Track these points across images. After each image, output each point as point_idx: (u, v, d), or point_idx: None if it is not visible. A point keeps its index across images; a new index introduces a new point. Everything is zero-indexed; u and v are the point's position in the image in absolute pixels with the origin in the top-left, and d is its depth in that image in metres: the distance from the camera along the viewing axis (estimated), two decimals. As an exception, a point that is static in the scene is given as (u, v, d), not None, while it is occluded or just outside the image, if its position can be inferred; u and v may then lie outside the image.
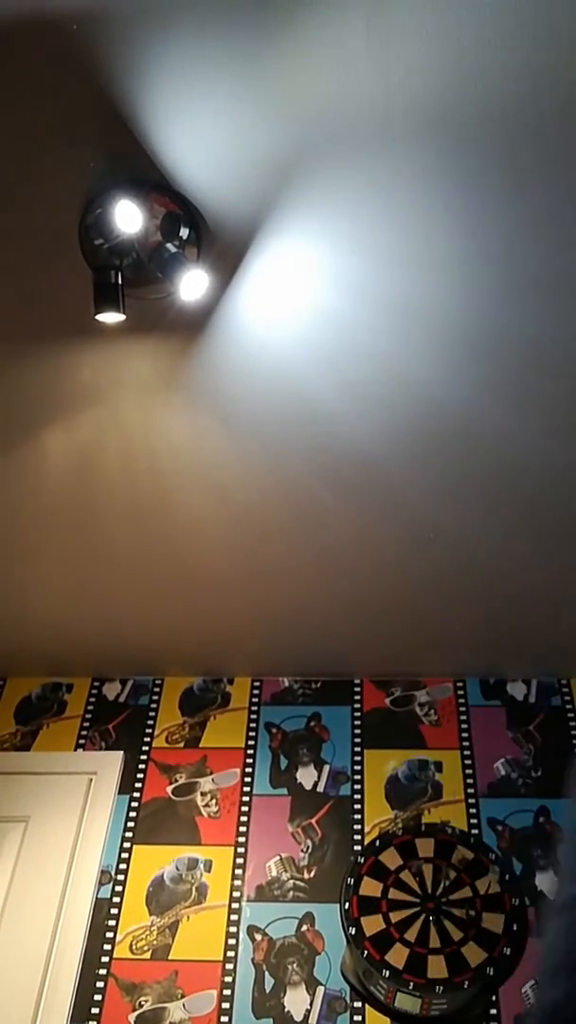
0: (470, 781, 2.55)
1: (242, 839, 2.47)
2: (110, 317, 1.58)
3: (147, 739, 2.73)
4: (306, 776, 2.60)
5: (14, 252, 1.64)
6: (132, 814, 2.55)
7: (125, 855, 2.46)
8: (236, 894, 2.37)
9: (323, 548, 2.29)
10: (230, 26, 1.28)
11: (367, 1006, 2.15)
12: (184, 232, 1.56)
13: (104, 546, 2.32)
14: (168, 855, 2.46)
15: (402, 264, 1.62)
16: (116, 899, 2.37)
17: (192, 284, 1.59)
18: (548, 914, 0.56)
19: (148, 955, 2.27)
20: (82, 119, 1.41)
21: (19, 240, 1.61)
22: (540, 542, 2.22)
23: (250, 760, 2.66)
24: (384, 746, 2.66)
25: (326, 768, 2.62)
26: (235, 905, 2.35)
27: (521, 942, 2.20)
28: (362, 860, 2.35)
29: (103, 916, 2.34)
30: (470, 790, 2.53)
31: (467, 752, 2.62)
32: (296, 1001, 2.17)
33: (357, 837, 2.46)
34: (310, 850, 2.44)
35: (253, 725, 2.75)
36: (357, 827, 2.48)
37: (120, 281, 1.57)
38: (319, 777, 2.60)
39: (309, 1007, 2.15)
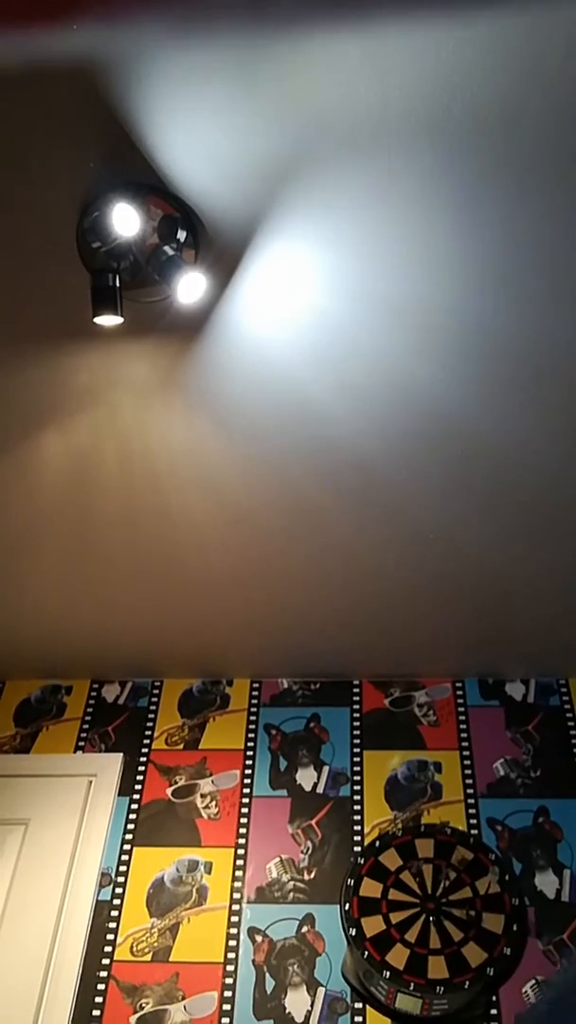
0: (469, 781, 2.56)
1: (242, 841, 2.47)
2: (108, 320, 1.59)
3: (147, 741, 2.73)
4: (306, 777, 2.60)
5: (12, 255, 1.64)
6: (132, 816, 2.55)
7: (125, 857, 2.46)
8: (236, 896, 2.37)
9: (321, 549, 2.29)
10: (227, 30, 1.29)
11: (368, 1007, 2.15)
12: (181, 235, 1.56)
13: (102, 548, 2.32)
14: (168, 857, 2.46)
15: (400, 266, 1.62)
16: (116, 901, 2.37)
17: (190, 287, 1.59)
18: None
19: (149, 957, 2.27)
20: (79, 122, 1.42)
21: (16, 243, 1.61)
22: (538, 542, 2.22)
23: (250, 762, 2.66)
24: (384, 747, 2.66)
25: (326, 769, 2.62)
26: (235, 907, 2.35)
27: (521, 942, 2.21)
28: (362, 861, 2.35)
29: (103, 918, 2.34)
30: (469, 790, 2.54)
31: (466, 752, 2.62)
32: (297, 1002, 2.17)
33: (357, 838, 2.46)
34: (310, 851, 2.44)
35: (252, 727, 2.75)
36: (357, 828, 2.48)
37: (118, 284, 1.57)
38: (319, 778, 2.60)
39: (310, 1008, 2.16)
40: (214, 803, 2.56)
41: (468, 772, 2.58)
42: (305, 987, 2.19)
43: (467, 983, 2.07)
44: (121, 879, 2.41)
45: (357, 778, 2.59)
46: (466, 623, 2.55)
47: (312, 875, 2.40)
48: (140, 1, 1.26)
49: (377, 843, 2.39)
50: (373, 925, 2.20)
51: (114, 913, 2.35)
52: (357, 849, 2.44)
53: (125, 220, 1.50)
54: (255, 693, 2.84)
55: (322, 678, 2.86)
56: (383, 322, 1.72)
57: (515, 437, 1.93)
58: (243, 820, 2.51)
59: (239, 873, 2.41)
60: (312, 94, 1.36)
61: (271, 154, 1.45)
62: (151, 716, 2.80)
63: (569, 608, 2.47)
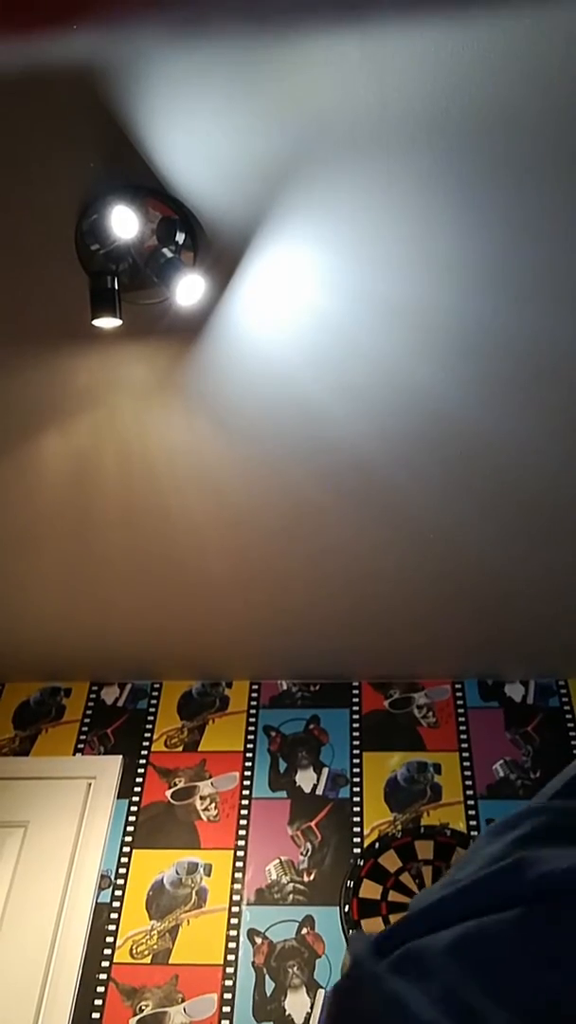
0: (469, 783, 2.56)
1: (242, 843, 2.47)
2: (107, 322, 1.59)
3: (146, 743, 2.73)
4: (305, 779, 2.60)
5: (11, 257, 1.64)
6: (131, 818, 2.54)
7: (125, 859, 2.46)
8: (236, 898, 2.37)
9: (321, 551, 2.29)
10: (226, 32, 1.29)
11: (368, 1009, 2.14)
12: (180, 237, 1.56)
13: (102, 549, 2.32)
14: (168, 859, 2.46)
15: (399, 267, 1.62)
16: (116, 903, 2.37)
17: (188, 289, 1.59)
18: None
19: (148, 959, 2.27)
20: (78, 125, 1.42)
21: (16, 245, 1.61)
22: (538, 543, 2.22)
23: (249, 763, 2.66)
24: (383, 748, 2.66)
25: (325, 771, 2.62)
26: (235, 909, 2.35)
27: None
28: (362, 863, 2.35)
29: (103, 921, 2.34)
30: (469, 792, 2.54)
31: (466, 754, 2.62)
32: (297, 1004, 2.17)
33: (356, 840, 2.46)
34: (310, 853, 2.44)
35: (252, 728, 2.75)
36: (356, 830, 2.48)
37: (116, 286, 1.58)
38: (318, 780, 2.60)
39: (310, 1010, 2.15)
40: (213, 805, 2.56)
41: (468, 773, 2.58)
42: (305, 989, 2.19)
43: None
44: (121, 881, 2.41)
45: (357, 780, 2.59)
46: (466, 624, 2.55)
47: (312, 877, 2.39)
48: (139, 3, 1.26)
49: (377, 845, 2.39)
50: (373, 927, 2.20)
51: (114, 915, 2.35)
52: (357, 851, 2.43)
53: (124, 222, 1.50)
54: (254, 695, 2.84)
55: (322, 680, 2.86)
56: (383, 323, 1.72)
57: (515, 437, 1.93)
58: (243, 822, 2.51)
59: (239, 875, 2.41)
60: (311, 95, 1.36)
61: (270, 156, 1.45)
62: (150, 718, 2.80)
63: (569, 609, 2.47)
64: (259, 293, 1.68)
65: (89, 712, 2.83)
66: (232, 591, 2.45)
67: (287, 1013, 2.15)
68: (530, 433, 1.92)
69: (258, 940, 2.28)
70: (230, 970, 2.23)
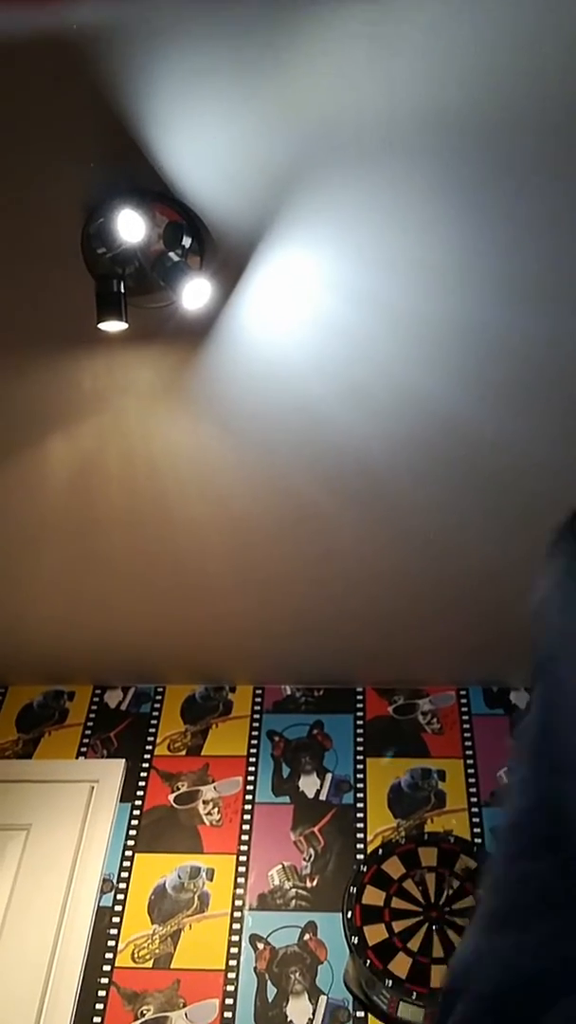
0: (473, 790, 2.55)
1: (244, 848, 2.46)
2: (112, 326, 1.59)
3: (149, 747, 2.72)
4: (308, 784, 2.60)
5: (17, 261, 1.64)
6: (134, 822, 2.54)
7: (127, 863, 2.45)
8: (238, 903, 2.36)
9: (325, 555, 2.29)
10: (233, 37, 1.29)
11: (370, 1016, 2.14)
12: (186, 241, 1.56)
13: (105, 553, 2.32)
14: (170, 863, 2.45)
15: (404, 272, 1.62)
16: (118, 907, 2.37)
17: (194, 293, 1.59)
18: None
19: (150, 964, 2.26)
20: (85, 129, 1.42)
21: (22, 249, 1.62)
22: (542, 548, 2.21)
23: (252, 768, 2.65)
24: (386, 755, 2.66)
25: (328, 776, 2.61)
26: (237, 914, 2.34)
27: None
28: (365, 869, 2.34)
29: (105, 924, 2.33)
30: (473, 799, 2.53)
31: (470, 761, 2.61)
32: (298, 1010, 2.16)
33: (360, 846, 2.45)
34: (312, 859, 2.43)
35: (255, 733, 2.75)
36: (360, 836, 2.48)
37: (123, 290, 1.58)
38: (321, 785, 2.59)
39: (311, 1016, 2.15)
40: (216, 810, 2.56)
41: (472, 780, 2.57)
42: (307, 995, 2.18)
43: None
44: (123, 885, 2.41)
45: (360, 785, 2.58)
46: (470, 629, 2.54)
47: (314, 883, 2.39)
48: (147, 10, 1.26)
49: (380, 851, 2.38)
50: (376, 933, 2.19)
51: (115, 919, 2.34)
52: (360, 857, 2.43)
53: (130, 226, 1.50)
54: (258, 699, 2.84)
55: (325, 685, 2.86)
56: (388, 327, 1.72)
57: (519, 441, 1.93)
58: (245, 827, 2.51)
59: (241, 880, 2.40)
60: (318, 99, 1.36)
61: (276, 160, 1.45)
62: (153, 722, 2.79)
63: (573, 616, 2.46)
64: (265, 297, 1.68)
65: (92, 715, 2.83)
66: (236, 595, 2.45)
67: (289, 1019, 2.14)
68: (534, 437, 1.91)
69: (260, 946, 2.28)
70: (232, 975, 2.23)
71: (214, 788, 2.61)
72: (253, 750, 2.70)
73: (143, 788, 2.62)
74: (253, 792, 2.59)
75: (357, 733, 2.72)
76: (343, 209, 1.52)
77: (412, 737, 2.69)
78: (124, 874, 2.43)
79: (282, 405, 1.88)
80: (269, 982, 2.21)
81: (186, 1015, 2.16)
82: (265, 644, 2.68)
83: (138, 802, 2.59)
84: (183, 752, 2.71)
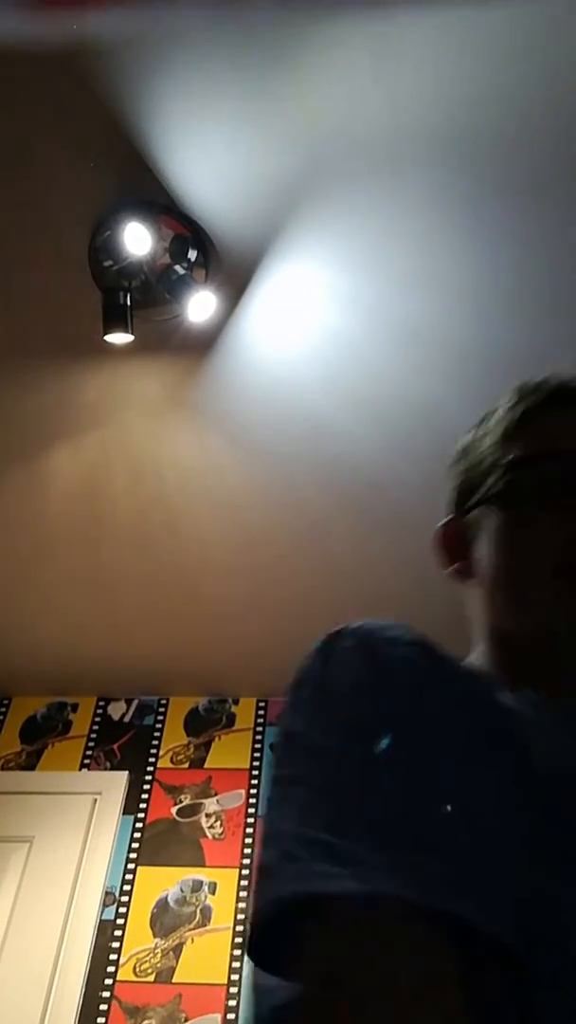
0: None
1: (247, 861, 2.45)
2: (119, 338, 1.60)
3: (152, 759, 2.72)
4: (311, 797, 2.59)
5: (24, 273, 1.65)
6: (136, 835, 2.53)
7: (129, 876, 2.44)
8: (241, 916, 2.35)
9: (330, 567, 2.29)
10: (239, 53, 1.30)
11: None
12: (192, 254, 1.57)
13: (110, 565, 2.33)
14: (172, 877, 2.44)
15: (410, 285, 1.63)
16: (120, 921, 2.36)
17: (200, 305, 1.60)
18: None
19: (152, 978, 2.25)
20: (93, 143, 1.43)
21: (29, 261, 1.63)
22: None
23: (255, 781, 2.64)
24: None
25: (331, 789, 2.60)
26: (240, 928, 2.33)
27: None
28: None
29: (107, 938, 2.32)
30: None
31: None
32: (301, 1026, 2.14)
33: (362, 859, 2.44)
34: (315, 872, 2.42)
35: (258, 746, 2.74)
36: (362, 849, 2.46)
37: (129, 302, 1.59)
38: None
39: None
40: (219, 823, 2.55)
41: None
42: (309, 1010, 2.17)
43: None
44: (125, 898, 2.40)
45: (363, 799, 2.57)
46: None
47: (317, 897, 2.37)
48: (154, 26, 1.28)
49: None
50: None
51: (117, 933, 2.33)
52: (363, 871, 2.41)
53: (137, 239, 1.51)
54: (261, 712, 2.83)
55: (329, 698, 2.84)
56: (393, 340, 1.73)
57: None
58: (248, 840, 2.50)
59: (243, 894, 2.39)
60: (323, 115, 1.38)
61: (281, 174, 1.46)
62: (157, 734, 2.79)
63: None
64: (270, 310, 1.69)
65: (96, 727, 2.82)
66: (239, 608, 2.45)
67: (291, 1034, 2.13)
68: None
69: (262, 960, 2.26)
70: (234, 990, 2.21)
71: (217, 801, 2.60)
72: (256, 763, 2.69)
73: (146, 801, 2.61)
74: (256, 805, 2.58)
75: (360, 746, 2.71)
76: (348, 222, 1.53)
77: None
78: (126, 887, 2.42)
79: (288, 417, 1.89)
80: (271, 996, 2.20)
81: (188, 1029, 2.15)
82: (268, 656, 2.67)
83: (141, 815, 2.58)
84: (186, 765, 2.70)
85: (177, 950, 2.30)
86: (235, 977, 2.24)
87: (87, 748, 2.76)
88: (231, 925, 2.34)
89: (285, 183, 1.48)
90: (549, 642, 0.68)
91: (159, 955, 2.29)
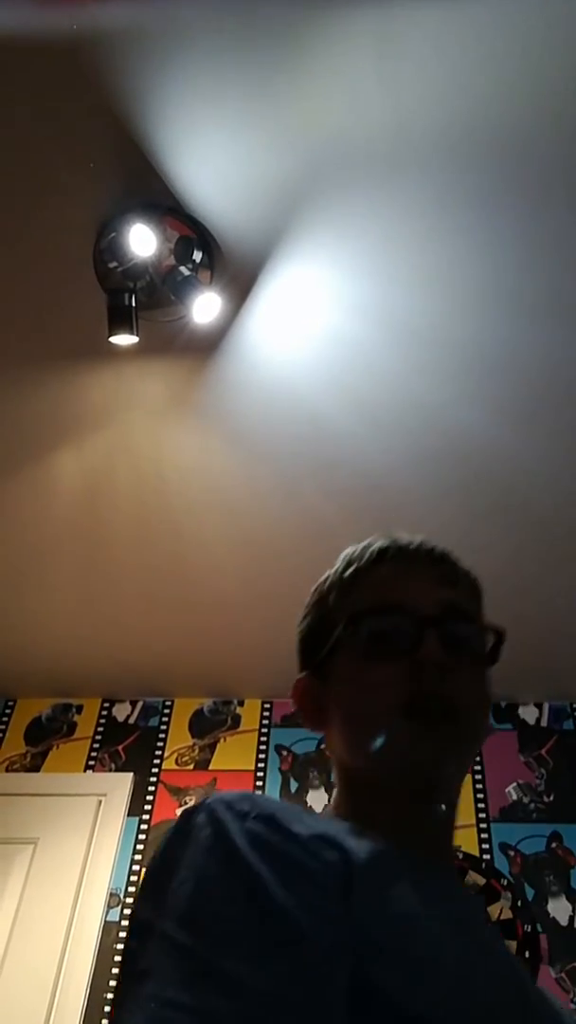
0: (481, 806, 2.53)
1: (252, 863, 2.44)
2: (123, 339, 1.60)
3: (157, 761, 2.72)
4: (316, 799, 2.59)
5: (29, 274, 1.65)
6: (141, 836, 2.53)
7: (134, 878, 2.44)
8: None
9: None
10: (244, 53, 1.30)
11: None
12: (197, 255, 1.57)
13: (114, 567, 2.33)
14: (177, 878, 2.43)
15: (414, 286, 1.63)
16: (125, 923, 2.36)
17: (205, 307, 1.60)
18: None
19: (156, 980, 2.24)
20: (97, 145, 1.43)
21: (34, 262, 1.63)
22: (551, 563, 2.21)
23: (260, 783, 2.64)
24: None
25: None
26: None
27: (534, 969, 2.17)
28: (372, 885, 2.32)
29: (112, 939, 2.32)
30: (481, 815, 2.51)
31: (478, 776, 2.60)
32: None
33: (367, 861, 2.44)
34: (320, 874, 2.42)
35: (263, 747, 2.74)
36: (367, 851, 2.46)
37: (134, 304, 1.59)
38: (329, 800, 2.58)
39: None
40: (224, 824, 2.54)
41: (480, 796, 2.55)
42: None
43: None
44: (130, 900, 2.40)
45: (368, 801, 2.57)
46: (479, 645, 2.53)
47: (322, 898, 2.37)
48: (158, 26, 1.28)
49: (388, 867, 2.37)
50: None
51: (122, 934, 2.33)
52: (368, 873, 2.41)
53: (141, 241, 1.51)
54: (266, 713, 2.83)
55: (333, 699, 2.84)
56: (397, 342, 1.72)
57: (529, 457, 1.93)
58: (253, 842, 2.49)
59: (248, 895, 2.39)
60: (327, 116, 1.38)
61: (286, 176, 1.46)
62: (162, 736, 2.79)
63: (583, 631, 2.45)
64: (274, 312, 1.69)
65: (100, 729, 2.82)
66: (244, 609, 2.44)
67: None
68: (544, 453, 1.91)
69: (267, 962, 2.26)
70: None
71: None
72: (261, 764, 2.69)
73: (151, 802, 2.61)
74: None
75: (365, 748, 2.70)
76: (352, 224, 1.53)
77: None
78: (131, 889, 2.42)
79: (291, 419, 1.89)
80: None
81: (193, 1031, 2.15)
82: (274, 658, 2.66)
83: (146, 816, 2.58)
84: (191, 766, 2.70)
85: (182, 952, 2.29)
86: (240, 979, 2.23)
87: (92, 750, 2.76)
88: (236, 927, 2.33)
89: (290, 184, 1.48)
90: (398, 779, 0.73)
91: (164, 957, 2.28)
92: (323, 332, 1.72)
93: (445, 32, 1.27)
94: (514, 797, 2.54)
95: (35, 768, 2.72)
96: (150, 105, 1.37)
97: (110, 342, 1.62)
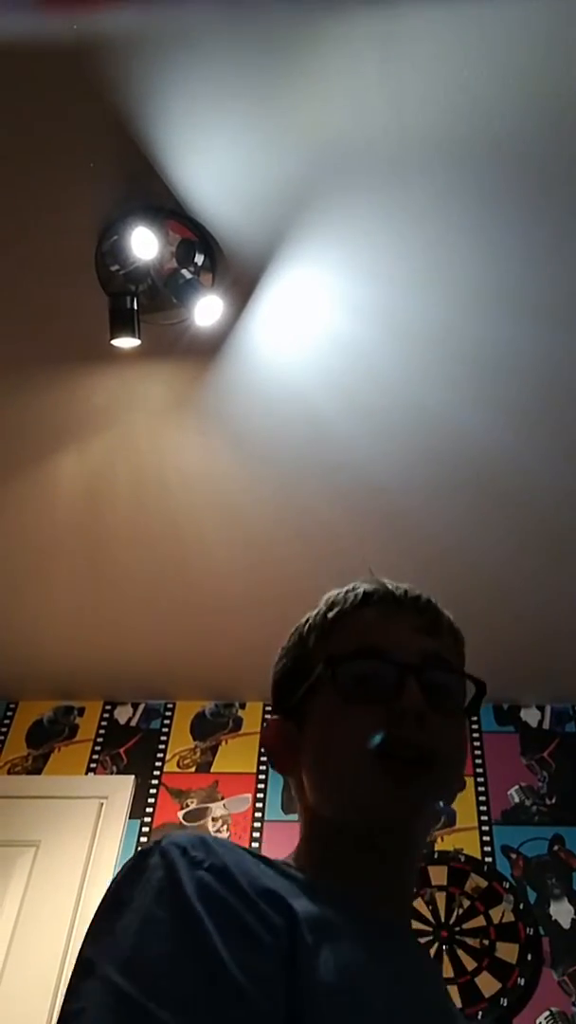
0: (483, 808, 2.53)
1: (253, 865, 2.44)
2: (125, 342, 1.60)
3: (158, 763, 2.71)
4: (318, 802, 2.58)
5: (31, 277, 1.66)
6: (143, 839, 2.53)
7: (136, 881, 2.43)
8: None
9: (334, 572, 2.28)
10: (245, 56, 1.30)
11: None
12: (199, 258, 1.58)
13: (115, 569, 2.33)
14: (179, 881, 2.43)
15: (415, 290, 1.63)
16: (126, 925, 2.35)
17: (207, 310, 1.60)
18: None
19: (158, 983, 2.24)
20: (100, 147, 1.44)
21: (36, 266, 1.63)
22: (553, 565, 2.21)
23: (262, 786, 2.64)
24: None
25: (338, 794, 2.59)
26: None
27: (536, 972, 2.17)
28: (374, 888, 2.32)
29: (113, 943, 2.31)
30: (483, 817, 2.51)
31: (480, 779, 2.60)
32: None
33: (369, 864, 2.43)
34: (322, 877, 2.41)
35: (265, 750, 2.73)
36: (369, 854, 2.46)
37: (136, 307, 1.59)
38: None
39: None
40: (225, 827, 2.54)
41: (482, 799, 2.55)
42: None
43: (480, 1013, 2.04)
44: (131, 903, 2.39)
45: (370, 803, 2.57)
46: (480, 646, 2.51)
47: (324, 901, 2.37)
48: (160, 29, 1.28)
49: (390, 870, 2.36)
50: (385, 953, 2.17)
51: (124, 937, 2.32)
52: (369, 875, 2.40)
53: (143, 244, 1.52)
54: (268, 716, 2.83)
55: (335, 702, 2.84)
56: (399, 345, 1.73)
57: (530, 458, 1.93)
58: (255, 845, 2.49)
59: (250, 898, 2.38)
60: (329, 119, 1.38)
61: (288, 179, 1.47)
62: (163, 738, 2.79)
63: (584, 633, 2.45)
64: (276, 314, 1.69)
65: (102, 731, 2.82)
66: (245, 611, 2.44)
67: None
68: (545, 454, 1.91)
69: (269, 965, 2.26)
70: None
71: (223, 805, 2.60)
72: (263, 767, 2.69)
73: (152, 805, 2.61)
74: (263, 809, 2.58)
75: (367, 750, 2.70)
76: (354, 227, 1.53)
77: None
78: (133, 891, 2.41)
79: (293, 422, 1.89)
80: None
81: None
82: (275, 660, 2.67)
83: (147, 819, 2.58)
84: (192, 769, 2.70)
85: (184, 955, 2.29)
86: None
87: (93, 752, 2.76)
88: (238, 930, 2.33)
89: (292, 187, 1.48)
90: (365, 824, 0.74)
91: (166, 960, 2.28)
92: (325, 334, 1.72)
93: (446, 34, 1.27)
94: (516, 800, 2.54)
95: (36, 771, 2.72)
96: (152, 108, 1.38)
97: (112, 345, 1.62)
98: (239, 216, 1.53)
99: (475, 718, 2.74)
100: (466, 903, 2.27)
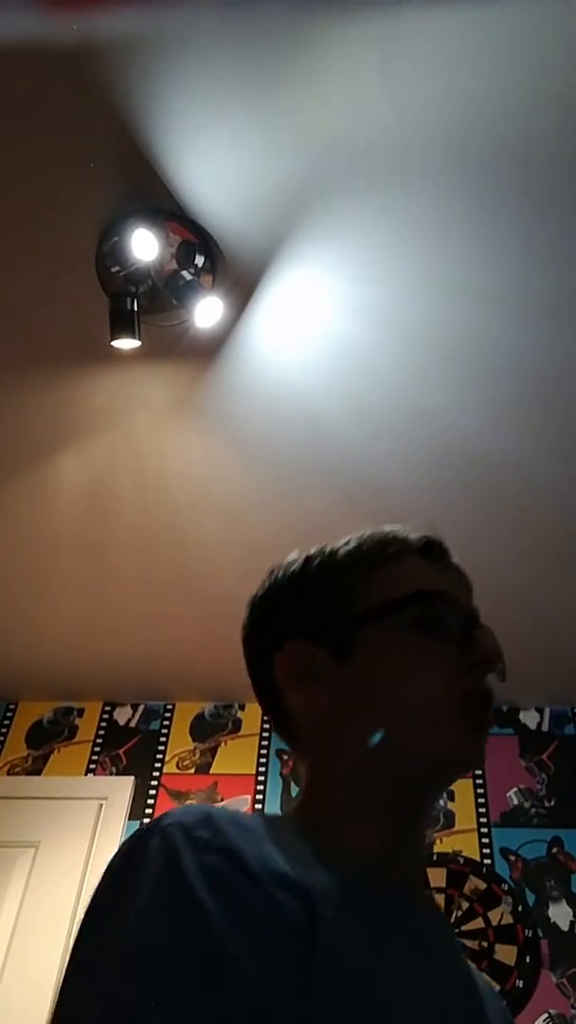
0: (482, 810, 2.53)
1: (252, 867, 2.44)
2: (126, 343, 1.60)
3: (158, 764, 2.71)
4: (317, 803, 2.58)
5: (31, 278, 1.66)
6: (142, 840, 2.52)
7: (135, 882, 2.43)
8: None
9: (335, 574, 2.29)
10: (246, 58, 1.31)
11: None
12: (199, 260, 1.58)
13: (115, 570, 2.33)
14: (178, 882, 2.43)
15: (416, 292, 1.63)
16: (125, 926, 2.35)
17: (207, 311, 1.61)
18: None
19: (157, 984, 2.24)
20: (100, 149, 1.44)
21: (37, 266, 1.64)
22: (554, 567, 2.21)
23: (261, 787, 2.64)
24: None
25: (337, 795, 2.59)
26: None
27: (534, 974, 2.17)
28: (373, 889, 2.32)
29: (112, 944, 2.31)
30: (482, 819, 2.51)
31: (479, 781, 2.60)
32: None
33: (368, 866, 2.43)
34: (321, 879, 2.41)
35: (264, 752, 2.74)
36: (368, 856, 2.45)
37: (136, 308, 1.59)
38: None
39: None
40: (225, 828, 2.54)
41: (481, 801, 2.55)
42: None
43: (479, 1016, 2.04)
44: (130, 904, 2.39)
45: (369, 805, 2.56)
46: (480, 649, 2.53)
47: (323, 903, 2.36)
48: (160, 31, 1.28)
49: (389, 871, 2.36)
50: (384, 955, 2.17)
51: (123, 938, 2.32)
52: (368, 877, 2.40)
53: (144, 245, 1.52)
54: (267, 718, 2.82)
55: (335, 703, 2.84)
56: (399, 346, 1.73)
57: (532, 460, 1.93)
58: (254, 846, 2.49)
59: (249, 900, 2.38)
60: (330, 121, 1.38)
61: (288, 180, 1.47)
62: (163, 739, 2.79)
63: (584, 635, 2.45)
64: (276, 316, 1.69)
65: (102, 732, 2.82)
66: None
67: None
68: (547, 456, 1.91)
69: (268, 966, 2.26)
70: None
71: (223, 806, 2.60)
72: (262, 769, 2.69)
73: (152, 806, 2.61)
74: (262, 811, 2.58)
75: (366, 752, 2.70)
76: (354, 228, 1.53)
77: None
78: (132, 892, 2.41)
79: (294, 423, 1.89)
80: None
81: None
82: (275, 662, 2.67)
83: (147, 820, 2.57)
84: (192, 770, 2.70)
85: (182, 956, 2.29)
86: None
87: (93, 753, 2.76)
88: (237, 931, 2.33)
89: (292, 189, 1.48)
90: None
91: (164, 961, 2.28)
92: (325, 336, 1.72)
93: (448, 36, 1.27)
94: (515, 802, 2.54)
95: (36, 772, 2.72)
96: (152, 110, 1.38)
97: (112, 346, 1.62)
98: (239, 218, 1.53)
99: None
100: (465, 905, 2.27)
